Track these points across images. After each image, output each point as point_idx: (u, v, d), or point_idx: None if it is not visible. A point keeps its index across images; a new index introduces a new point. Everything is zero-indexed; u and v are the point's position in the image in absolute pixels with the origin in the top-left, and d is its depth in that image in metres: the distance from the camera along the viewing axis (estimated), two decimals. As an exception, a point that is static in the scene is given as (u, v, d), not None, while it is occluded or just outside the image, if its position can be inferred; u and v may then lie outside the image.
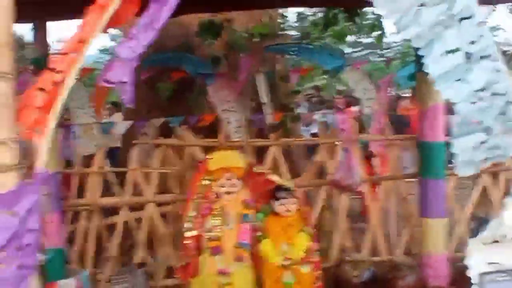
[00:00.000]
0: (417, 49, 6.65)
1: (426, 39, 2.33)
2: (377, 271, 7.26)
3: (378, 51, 35.86)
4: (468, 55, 2.31)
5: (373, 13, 8.85)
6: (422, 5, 2.39)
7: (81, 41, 2.06)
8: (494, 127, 2.31)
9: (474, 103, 2.29)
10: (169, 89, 7.86)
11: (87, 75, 7.76)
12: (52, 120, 2.06)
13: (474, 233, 8.04)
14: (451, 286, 6.78)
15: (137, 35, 2.17)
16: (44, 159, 2.06)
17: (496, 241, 2.35)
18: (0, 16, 2.09)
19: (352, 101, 13.98)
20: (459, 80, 2.31)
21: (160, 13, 2.16)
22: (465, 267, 7.07)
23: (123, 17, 2.23)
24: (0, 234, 1.94)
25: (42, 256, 1.98)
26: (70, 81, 2.03)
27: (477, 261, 2.35)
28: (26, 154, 2.10)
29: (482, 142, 2.31)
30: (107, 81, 2.14)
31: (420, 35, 2.32)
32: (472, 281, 2.40)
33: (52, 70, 2.08)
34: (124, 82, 2.13)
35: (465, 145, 2.29)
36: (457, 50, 2.33)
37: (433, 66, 2.37)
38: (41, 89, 2.03)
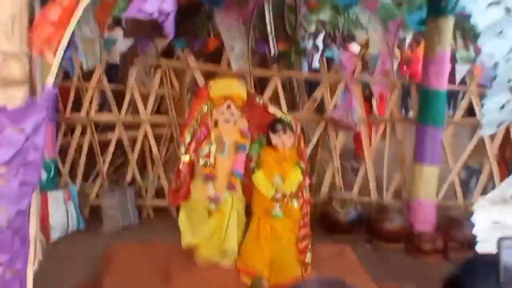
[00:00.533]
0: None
1: (486, 20, 2.26)
2: (365, 212, 7.35)
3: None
4: (507, 9, 2.25)
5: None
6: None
7: None
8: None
9: (507, 60, 2.25)
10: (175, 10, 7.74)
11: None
12: (65, 37, 2.01)
13: (464, 183, 8.15)
14: (436, 233, 6.88)
15: None
16: (53, 76, 2.02)
17: (505, 201, 2.34)
18: None
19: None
20: (498, 34, 2.25)
21: None
22: (452, 215, 7.20)
23: None
24: (5, 150, 1.93)
25: (44, 174, 1.97)
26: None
27: (482, 219, 2.35)
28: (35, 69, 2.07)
29: (506, 102, 2.28)
30: (144, 11, 2.08)
31: None
32: (477, 239, 2.40)
33: None
34: (167, 13, 2.07)
35: (493, 105, 2.25)
36: (498, 3, 2.27)
37: (479, 18, 2.31)
38: (58, 4, 1.97)
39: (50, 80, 2.05)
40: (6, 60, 1.98)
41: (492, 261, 1.71)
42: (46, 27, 2.00)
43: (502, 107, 2.30)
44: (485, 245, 2.40)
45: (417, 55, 12.41)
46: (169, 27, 2.14)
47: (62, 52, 2.03)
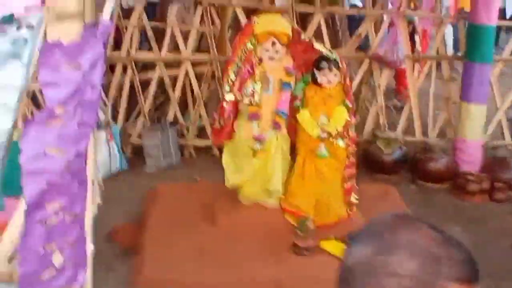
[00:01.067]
0: None
1: None
2: (409, 151, 7.28)
3: None
4: None
5: None
6: None
7: None
8: None
9: None
10: None
11: None
12: None
13: (511, 122, 8.01)
14: (482, 173, 6.80)
15: None
16: (110, 9, 1.94)
17: None
18: None
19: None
20: None
21: None
22: (498, 156, 7.09)
23: None
24: (61, 88, 1.88)
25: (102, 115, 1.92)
26: None
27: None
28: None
29: None
30: None
31: None
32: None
33: None
34: None
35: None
36: None
37: None
38: None
39: (107, 13, 1.97)
40: None
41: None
42: None
43: None
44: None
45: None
46: None
47: None
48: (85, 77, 1.91)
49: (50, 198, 1.93)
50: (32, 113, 6.06)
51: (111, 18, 2.00)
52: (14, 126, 1.96)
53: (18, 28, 1.90)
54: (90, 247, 2.14)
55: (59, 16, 1.91)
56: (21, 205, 1.98)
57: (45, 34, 1.96)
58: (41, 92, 1.93)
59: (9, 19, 1.90)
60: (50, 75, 1.89)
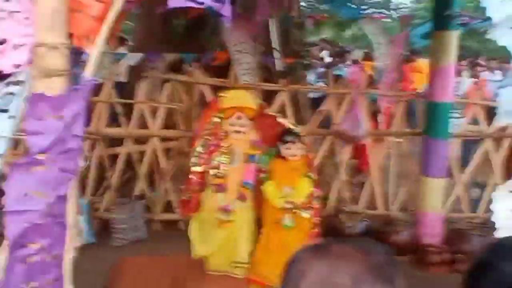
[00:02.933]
0: (436, 8, 6.69)
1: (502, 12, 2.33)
2: (372, 224, 7.36)
3: (384, 11, 35.65)
4: None
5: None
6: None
7: None
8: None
9: None
10: (183, 25, 7.81)
11: None
12: (105, 31, 2.07)
13: (473, 197, 8.18)
14: (444, 245, 6.89)
15: None
16: (93, 68, 2.07)
17: (524, 190, 2.39)
18: None
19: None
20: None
21: None
22: (458, 228, 7.22)
23: None
24: (45, 137, 1.98)
25: (83, 162, 2.00)
26: (126, -7, 2.04)
27: (501, 207, 2.39)
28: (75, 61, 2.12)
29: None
30: (195, 1, 2.12)
31: None
32: (496, 226, 2.44)
33: None
34: (222, 0, 2.12)
35: (508, 95, 2.31)
36: None
37: (494, 12, 2.37)
38: (99, 0, 2.03)
39: (90, 71, 2.10)
40: (47, 51, 2.04)
41: None
42: (86, 21, 2.05)
43: None
44: (503, 232, 2.43)
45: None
46: (227, 13, 2.18)
47: (102, 45, 2.08)
48: (67, 127, 2.02)
49: (31, 238, 2.01)
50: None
51: (94, 75, 2.14)
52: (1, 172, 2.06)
53: (7, 84, 2.03)
54: None
55: (45, 72, 2.05)
56: (4, 243, 2.05)
57: (31, 88, 2.08)
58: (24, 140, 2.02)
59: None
60: (35, 124, 1.99)
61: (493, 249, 1.76)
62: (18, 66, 2.06)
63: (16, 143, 6.39)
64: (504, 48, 2.52)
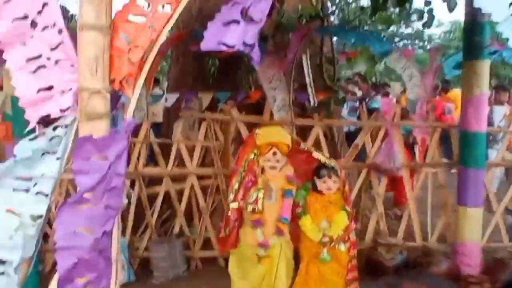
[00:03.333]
0: (467, 38, 6.73)
1: (505, 15, 2.39)
2: (410, 256, 7.32)
3: (416, 42, 35.67)
4: None
5: (424, 1, 8.84)
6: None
7: (175, 2, 2.14)
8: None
9: None
10: (216, 64, 7.94)
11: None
12: (143, 75, 2.17)
13: (508, 225, 8.10)
14: (483, 275, 6.82)
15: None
16: (132, 110, 2.18)
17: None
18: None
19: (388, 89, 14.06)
20: None
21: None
22: (498, 257, 7.15)
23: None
24: (92, 176, 2.07)
25: (125, 200, 2.09)
26: (162, 39, 2.14)
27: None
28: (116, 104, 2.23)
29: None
30: (225, 44, 2.22)
31: (499, 10, 2.38)
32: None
33: (149, 27, 2.18)
34: (252, 45, 2.22)
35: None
36: None
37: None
38: (136, 46, 2.13)
39: (130, 113, 2.21)
40: (90, 96, 2.14)
41: None
42: (125, 66, 2.15)
43: None
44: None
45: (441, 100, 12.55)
46: (256, 56, 2.26)
47: (140, 88, 2.18)
48: (111, 167, 2.12)
49: (79, 272, 2.10)
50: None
51: (134, 116, 2.23)
52: (47, 212, 2.16)
53: (54, 128, 2.15)
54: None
55: (89, 116, 2.16)
56: (54, 278, 2.14)
57: (77, 131, 2.20)
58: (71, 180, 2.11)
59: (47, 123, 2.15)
60: (82, 165, 2.09)
61: None
62: (64, 110, 2.17)
63: (60, 183, 6.58)
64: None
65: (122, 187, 2.12)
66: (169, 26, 2.15)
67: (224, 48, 2.21)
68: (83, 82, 2.19)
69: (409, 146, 8.63)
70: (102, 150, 2.11)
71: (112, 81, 2.19)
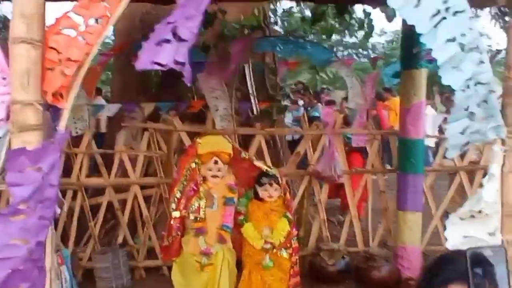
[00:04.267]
0: (405, 47, 6.88)
1: (428, 27, 2.48)
2: (352, 261, 7.42)
3: (360, 51, 36.12)
4: (461, 46, 2.46)
5: (363, 11, 8.97)
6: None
7: (107, 16, 2.18)
8: (477, 113, 2.47)
9: (463, 90, 2.44)
10: (158, 74, 7.93)
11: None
12: (75, 87, 2.19)
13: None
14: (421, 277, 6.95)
15: (185, 17, 2.27)
16: (65, 121, 2.20)
17: (473, 216, 2.52)
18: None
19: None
20: (455, 68, 2.45)
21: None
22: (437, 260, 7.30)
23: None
24: (25, 188, 2.08)
25: (58, 210, 2.08)
26: (95, 52, 2.17)
27: (454, 234, 2.52)
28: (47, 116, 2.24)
29: (466, 127, 2.48)
30: (158, 63, 2.25)
31: (422, 22, 2.47)
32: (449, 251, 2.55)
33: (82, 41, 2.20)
34: (182, 63, 2.26)
35: (455, 130, 2.45)
36: (454, 39, 2.48)
37: (439, 52, 2.51)
38: (68, 58, 2.16)
39: (62, 125, 2.23)
40: (22, 108, 2.15)
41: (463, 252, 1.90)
42: (58, 78, 2.17)
43: (463, 132, 2.49)
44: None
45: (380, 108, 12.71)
46: (188, 74, 2.31)
47: (72, 100, 2.20)
48: (44, 178, 2.14)
49: (14, 283, 2.10)
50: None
51: (66, 128, 2.25)
52: None
53: (-14, 140, 2.16)
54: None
55: (21, 128, 2.17)
56: None
57: (9, 143, 2.21)
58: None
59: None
60: (16, 177, 2.10)
61: (441, 256, 1.95)
62: (-4, 123, 2.18)
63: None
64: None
65: (55, 197, 2.14)
66: (101, 39, 2.18)
67: (157, 67, 2.26)
68: (15, 94, 2.19)
69: (349, 153, 8.72)
70: (35, 162, 2.11)
71: (44, 93, 2.21)
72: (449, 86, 2.55)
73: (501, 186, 2.58)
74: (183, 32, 2.25)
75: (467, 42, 2.42)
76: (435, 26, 2.49)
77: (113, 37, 10.20)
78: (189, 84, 5.03)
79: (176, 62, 2.24)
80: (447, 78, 2.48)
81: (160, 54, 2.25)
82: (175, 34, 2.25)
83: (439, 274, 1.92)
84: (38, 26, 2.20)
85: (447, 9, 2.47)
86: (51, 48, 2.18)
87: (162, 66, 2.27)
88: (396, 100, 12.42)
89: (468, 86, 2.38)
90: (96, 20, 2.19)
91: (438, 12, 2.47)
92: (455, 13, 2.47)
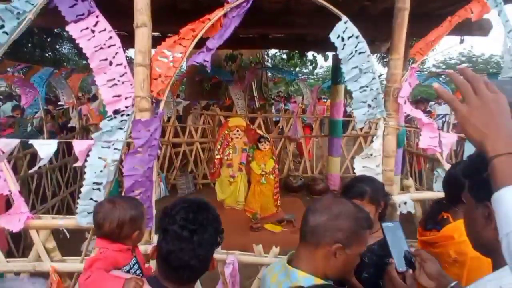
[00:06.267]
0: (333, 73, 6.69)
1: (345, 61, 2.40)
2: (305, 181, 7.37)
3: (311, 76, 35.67)
4: (360, 70, 2.38)
5: (312, 55, 8.84)
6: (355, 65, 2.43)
7: (184, 52, 2.10)
8: (372, 104, 2.41)
9: (362, 92, 2.38)
10: (209, 86, 7.83)
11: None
12: (167, 90, 2.11)
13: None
14: (340, 190, 6.89)
15: (215, 39, 2.19)
16: (162, 107, 2.11)
17: (368, 157, 2.47)
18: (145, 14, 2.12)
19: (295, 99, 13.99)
20: (355, 81, 2.38)
21: (225, 32, 2.18)
22: (347, 181, 7.23)
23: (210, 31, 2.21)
24: (141, 140, 2.01)
25: (158, 151, 2.03)
26: (177, 71, 2.10)
27: (358, 166, 2.48)
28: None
29: (367, 111, 2.41)
30: (196, 62, 2.17)
31: (343, 59, 2.39)
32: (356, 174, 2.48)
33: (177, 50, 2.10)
34: (206, 61, 2.17)
35: (359, 113, 2.39)
36: (356, 67, 2.39)
37: (347, 74, 2.43)
38: (164, 74, 2.09)
39: (160, 108, 2.17)
40: (140, 100, 2.09)
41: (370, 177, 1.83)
42: (159, 84, 2.09)
43: (364, 114, 2.43)
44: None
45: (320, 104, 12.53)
46: (208, 66, 2.22)
47: (166, 96, 2.13)
48: (152, 135, 2.09)
49: (136, 187, 2.08)
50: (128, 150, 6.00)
51: (162, 111, 2.17)
52: (120, 158, 2.12)
53: (122, 115, 2.11)
54: (153, 212, 2.26)
55: (140, 110, 2.12)
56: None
57: (134, 117, 2.15)
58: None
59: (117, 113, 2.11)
60: (137, 134, 2.06)
61: (356, 177, 1.86)
62: (127, 107, 2.11)
63: (128, 144, 6.41)
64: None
65: (157, 145, 2.08)
66: (180, 64, 2.11)
67: (195, 63, 2.17)
68: (137, 92, 2.13)
69: (309, 125, 8.60)
70: (146, 127, 2.07)
71: (151, 92, 2.15)
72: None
73: (382, 142, 2.52)
74: (210, 45, 2.17)
75: (364, 68, 2.35)
76: (348, 60, 2.41)
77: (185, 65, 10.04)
78: (209, 70, 4.77)
79: (204, 61, 2.15)
80: (350, 86, 2.41)
81: (197, 57, 2.17)
82: (206, 47, 2.16)
83: (349, 190, 1.88)
84: (148, 56, 2.13)
85: (356, 51, 2.39)
86: (155, 68, 2.11)
87: (197, 63, 2.18)
88: (328, 101, 12.29)
89: (364, 90, 2.32)
90: (179, 53, 2.12)
91: (352, 53, 2.39)
92: (360, 53, 2.39)
